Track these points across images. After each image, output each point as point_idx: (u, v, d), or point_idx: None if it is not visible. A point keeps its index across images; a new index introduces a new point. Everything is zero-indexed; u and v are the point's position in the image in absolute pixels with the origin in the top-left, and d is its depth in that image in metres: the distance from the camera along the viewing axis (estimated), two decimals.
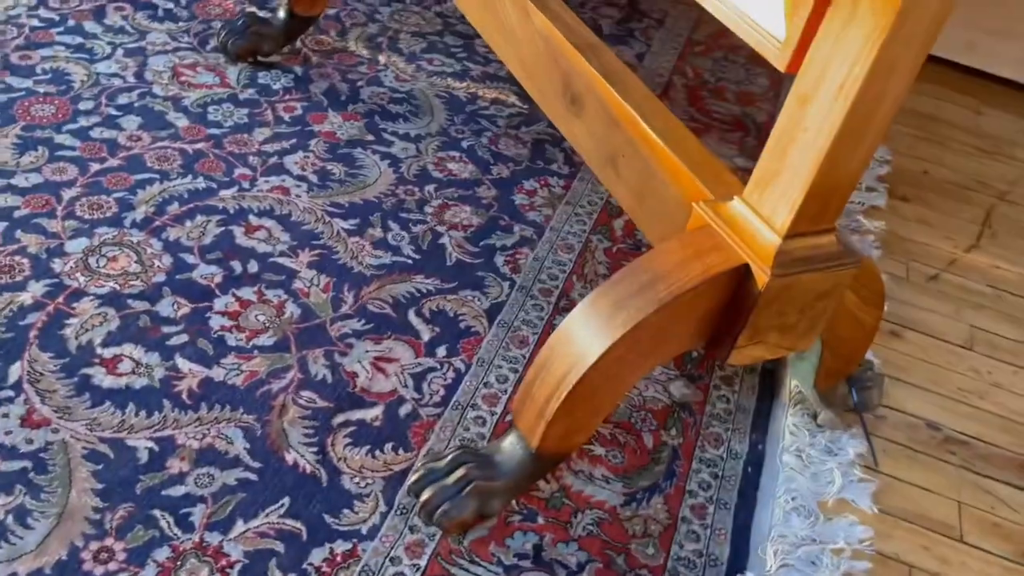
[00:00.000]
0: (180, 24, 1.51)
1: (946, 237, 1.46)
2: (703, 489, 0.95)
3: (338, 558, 0.81)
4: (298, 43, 1.53)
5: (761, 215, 0.75)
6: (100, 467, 0.84)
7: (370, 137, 1.35)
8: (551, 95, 1.05)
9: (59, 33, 1.41)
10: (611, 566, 0.86)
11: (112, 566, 0.77)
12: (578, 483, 0.93)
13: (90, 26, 1.44)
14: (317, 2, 1.40)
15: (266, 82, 1.41)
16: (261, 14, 1.43)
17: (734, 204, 0.78)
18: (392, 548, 0.83)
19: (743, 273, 0.75)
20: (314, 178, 1.24)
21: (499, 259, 1.19)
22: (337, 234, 1.16)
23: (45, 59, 1.34)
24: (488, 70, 1.58)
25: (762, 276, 0.74)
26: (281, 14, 1.40)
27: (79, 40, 1.41)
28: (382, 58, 1.55)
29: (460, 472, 0.82)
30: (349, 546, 0.82)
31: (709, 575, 0.87)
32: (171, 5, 1.56)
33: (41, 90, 1.28)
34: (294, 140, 1.31)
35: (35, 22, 1.42)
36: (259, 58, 1.45)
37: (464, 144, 1.39)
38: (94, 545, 0.78)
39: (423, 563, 0.82)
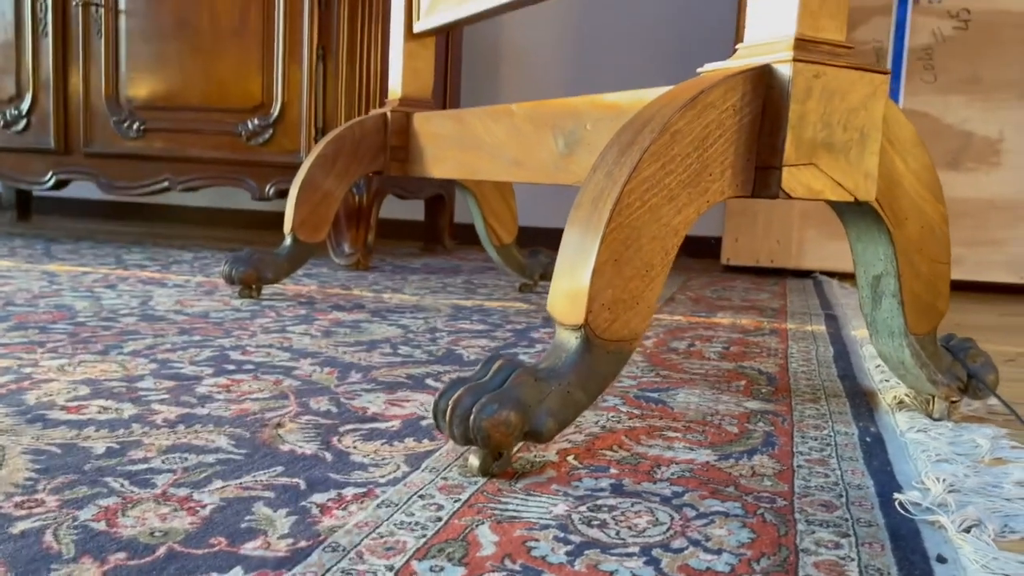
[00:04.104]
0: (187, 288, 1.54)
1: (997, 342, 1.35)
2: (816, 452, 0.74)
3: (348, 498, 0.60)
4: (304, 289, 1.56)
5: (766, 40, 0.72)
6: (42, 457, 0.65)
7: (376, 320, 1.31)
8: (547, 159, 1.06)
9: (65, 292, 1.44)
10: (718, 494, 0.63)
11: (38, 510, 0.56)
12: (654, 451, 0.73)
13: (100, 290, 1.47)
14: (320, 229, 1.46)
15: (270, 304, 1.41)
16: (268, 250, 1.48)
17: (737, 52, 0.75)
18: (421, 489, 0.62)
19: (767, 74, 0.70)
20: (318, 334, 1.17)
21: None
22: (343, 353, 1.06)
23: (48, 302, 1.34)
24: (491, 297, 1.59)
25: (786, 67, 0.68)
26: (286, 241, 1.45)
27: (85, 293, 1.43)
28: (387, 296, 1.56)
29: (499, 363, 0.65)
30: (363, 490, 0.61)
31: (853, 496, 0.64)
32: (180, 282, 1.61)
33: (41, 310, 1.26)
34: (297, 322, 1.26)
35: (46, 290, 1.45)
36: (262, 289, 1.46)
37: (475, 318, 1.34)
38: (19, 498, 0.57)
39: (464, 496, 0.61)
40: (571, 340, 0.67)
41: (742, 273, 2.24)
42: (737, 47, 0.76)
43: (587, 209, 0.67)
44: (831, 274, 2.15)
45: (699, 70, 0.76)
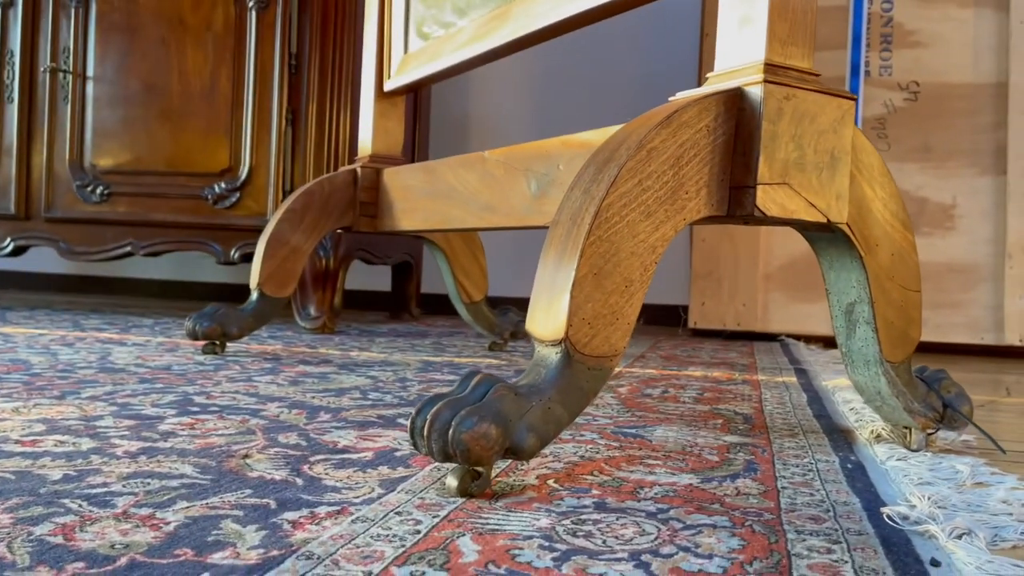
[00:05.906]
0: (148, 346, 1.51)
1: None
2: (799, 476, 0.73)
3: (321, 515, 0.57)
4: (269, 348, 1.53)
5: (736, 67, 0.74)
6: None
7: (344, 372, 1.28)
8: (519, 203, 1.07)
9: (20, 349, 1.39)
10: (704, 510, 0.61)
11: None
12: (636, 475, 0.71)
13: (57, 348, 1.43)
14: (287, 284, 1.44)
15: (235, 359, 1.38)
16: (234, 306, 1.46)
17: (707, 80, 0.77)
18: (398, 507, 0.59)
19: (739, 96, 0.71)
20: (285, 383, 1.14)
21: None
22: (311, 397, 1.03)
23: (1, 357, 1.30)
24: (461, 354, 1.57)
25: (757, 88, 0.70)
26: (252, 296, 1.43)
27: (41, 350, 1.38)
28: (354, 353, 1.54)
29: (478, 378, 0.63)
30: (337, 508, 0.59)
31: (841, 510, 0.63)
32: (141, 342, 1.57)
33: None
34: (263, 373, 1.23)
35: (0, 348, 1.41)
36: (226, 345, 1.43)
37: (446, 370, 1.32)
38: None
39: (443, 513, 0.58)
40: (551, 356, 0.65)
41: (709, 337, 2.25)
42: (707, 75, 0.77)
43: (566, 225, 0.67)
44: (797, 337, 2.16)
45: (671, 98, 0.77)
